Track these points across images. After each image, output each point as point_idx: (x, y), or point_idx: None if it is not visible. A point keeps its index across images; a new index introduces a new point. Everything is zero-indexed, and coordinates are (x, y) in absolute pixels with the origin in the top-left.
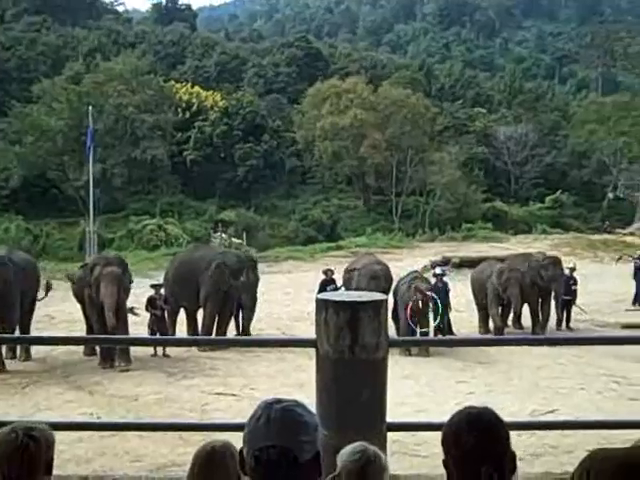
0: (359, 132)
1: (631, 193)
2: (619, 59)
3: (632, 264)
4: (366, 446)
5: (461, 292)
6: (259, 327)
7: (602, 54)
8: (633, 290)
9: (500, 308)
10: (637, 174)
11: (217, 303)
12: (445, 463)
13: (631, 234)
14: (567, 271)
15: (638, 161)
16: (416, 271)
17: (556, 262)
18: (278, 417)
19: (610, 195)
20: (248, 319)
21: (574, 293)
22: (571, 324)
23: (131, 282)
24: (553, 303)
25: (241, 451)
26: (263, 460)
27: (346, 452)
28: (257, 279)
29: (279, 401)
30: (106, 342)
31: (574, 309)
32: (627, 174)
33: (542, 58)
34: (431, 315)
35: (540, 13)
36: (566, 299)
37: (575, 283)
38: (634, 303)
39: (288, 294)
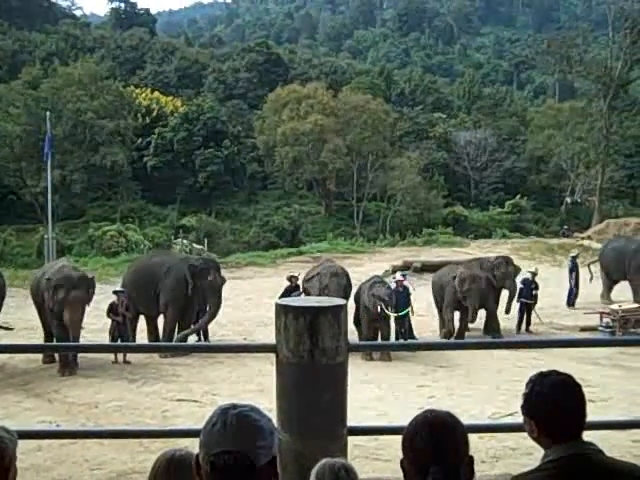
0: (319, 137)
1: (588, 197)
2: (575, 65)
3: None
4: (341, 465)
5: (422, 296)
6: (221, 333)
7: (558, 60)
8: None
9: (459, 312)
10: (594, 179)
11: (178, 309)
12: (402, 463)
13: (589, 238)
14: (529, 275)
15: (595, 166)
16: (377, 276)
17: (507, 261)
18: (234, 422)
19: (568, 200)
20: (211, 316)
21: (535, 298)
22: (531, 327)
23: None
24: (517, 306)
25: (197, 457)
26: (219, 465)
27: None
28: (223, 281)
29: (234, 406)
30: (68, 349)
31: (533, 313)
32: (584, 179)
33: (500, 64)
34: (392, 316)
35: (498, 20)
36: (527, 303)
37: (536, 288)
38: (569, 304)
39: (250, 300)
